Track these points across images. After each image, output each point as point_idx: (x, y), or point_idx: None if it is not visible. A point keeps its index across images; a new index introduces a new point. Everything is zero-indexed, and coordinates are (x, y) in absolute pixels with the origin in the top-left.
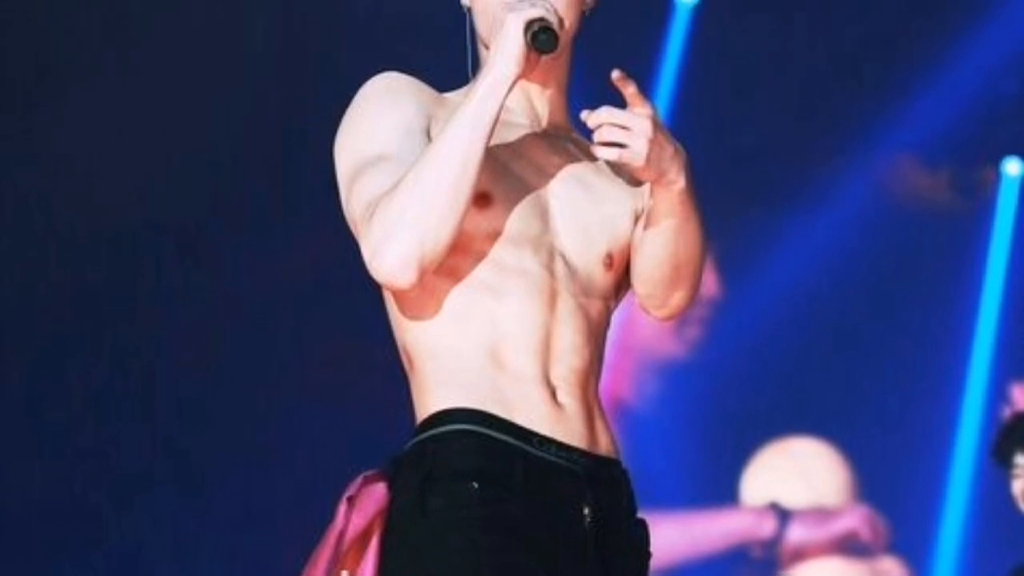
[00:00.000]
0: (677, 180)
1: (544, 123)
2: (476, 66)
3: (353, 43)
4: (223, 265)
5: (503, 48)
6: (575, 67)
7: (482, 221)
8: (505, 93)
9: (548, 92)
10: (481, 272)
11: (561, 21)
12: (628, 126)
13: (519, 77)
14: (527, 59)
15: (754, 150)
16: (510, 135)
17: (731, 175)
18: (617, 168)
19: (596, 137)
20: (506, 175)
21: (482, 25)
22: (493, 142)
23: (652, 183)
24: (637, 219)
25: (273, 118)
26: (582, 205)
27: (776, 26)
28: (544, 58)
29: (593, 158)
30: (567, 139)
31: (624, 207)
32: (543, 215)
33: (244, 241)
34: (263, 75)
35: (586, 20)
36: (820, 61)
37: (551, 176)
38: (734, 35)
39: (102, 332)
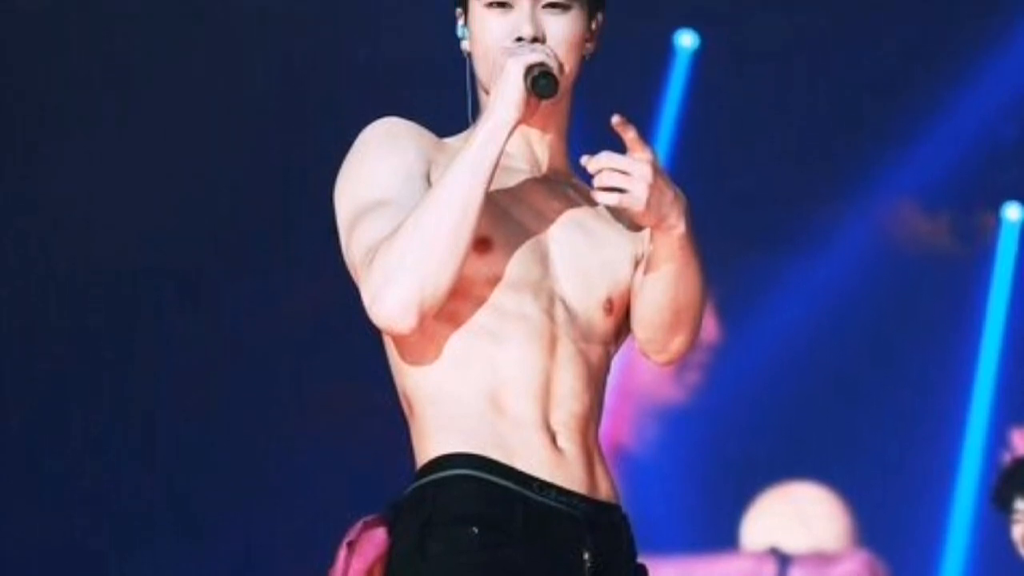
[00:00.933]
0: (677, 225)
1: (544, 168)
2: (476, 111)
3: (353, 88)
4: (223, 309)
5: (503, 93)
6: (575, 112)
7: (482, 266)
8: (505, 138)
9: (548, 137)
10: (481, 317)
11: (561, 66)
12: (628, 171)
13: (519, 122)
14: (527, 104)
15: (754, 194)
16: (510, 180)
17: (731, 219)
18: (617, 213)
19: (596, 182)
20: (506, 220)
21: (482, 70)
22: (493, 187)
23: (652, 228)
24: (637, 264)
25: (273, 162)
26: (582, 250)
27: (776, 71)
28: (544, 103)
29: (593, 203)
30: (567, 184)
31: (624, 252)
32: (543, 260)
33: (244, 285)
34: (263, 119)
35: (586, 65)
36: (820, 106)
37: (551, 221)
38: (734, 80)
39: (102, 376)
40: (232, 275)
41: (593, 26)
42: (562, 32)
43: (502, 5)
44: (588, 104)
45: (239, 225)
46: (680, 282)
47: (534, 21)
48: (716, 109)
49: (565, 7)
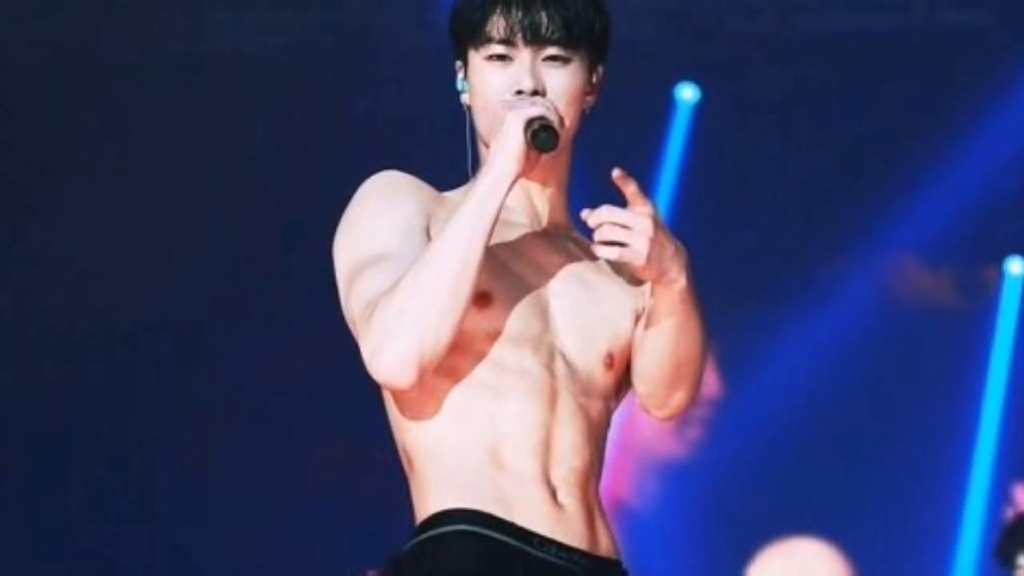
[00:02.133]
0: (678, 279)
1: (544, 222)
2: (476, 165)
3: (352, 141)
4: (222, 364)
5: (503, 147)
6: (575, 165)
7: (482, 321)
8: (505, 192)
9: (548, 191)
10: (481, 372)
11: (561, 119)
12: (629, 225)
13: (519, 176)
14: (527, 158)
15: (756, 247)
16: (510, 234)
17: (733, 272)
18: (618, 267)
19: (596, 236)
20: (506, 274)
21: (482, 123)
22: (493, 241)
23: (653, 282)
24: (638, 318)
25: (272, 216)
26: (582, 304)
27: (777, 124)
28: (544, 157)
29: (593, 257)
30: (567, 238)
31: (625, 306)
32: (543, 314)
33: (243, 340)
34: (262, 173)
35: (586, 118)
36: (822, 159)
37: (551, 275)
38: (735, 132)
39: (100, 431)
40: (231, 329)
41: (594, 79)
42: (562, 85)
43: (502, 58)
44: (589, 157)
45: (238, 279)
46: (681, 336)
47: (534, 74)
48: (717, 162)
49: (566, 60)
